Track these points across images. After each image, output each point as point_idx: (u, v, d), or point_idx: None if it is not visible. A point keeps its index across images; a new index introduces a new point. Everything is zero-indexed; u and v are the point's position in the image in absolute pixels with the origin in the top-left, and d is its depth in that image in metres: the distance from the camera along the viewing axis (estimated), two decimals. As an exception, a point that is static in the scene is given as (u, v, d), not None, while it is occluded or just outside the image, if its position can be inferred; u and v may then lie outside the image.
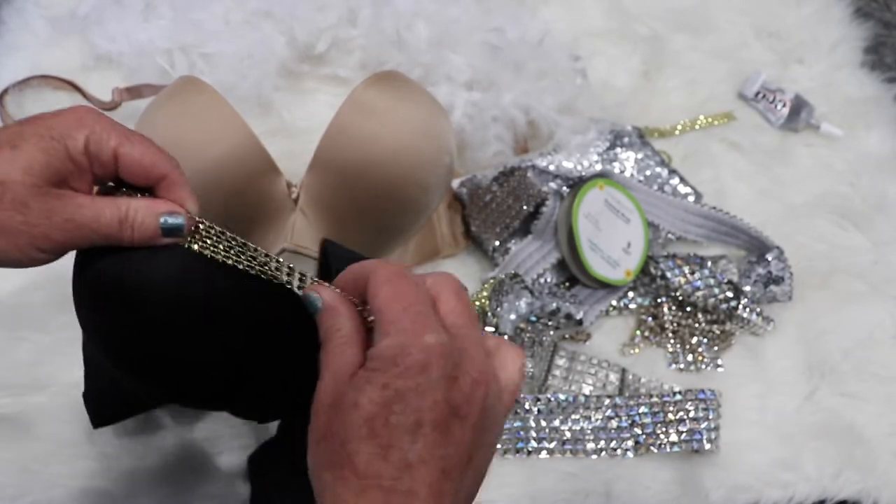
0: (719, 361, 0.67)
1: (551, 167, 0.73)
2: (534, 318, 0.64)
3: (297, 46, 0.78)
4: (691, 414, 0.61)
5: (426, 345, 0.30)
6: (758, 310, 0.67)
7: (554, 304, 0.64)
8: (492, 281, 0.65)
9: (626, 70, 0.86)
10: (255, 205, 0.58)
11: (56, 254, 0.34)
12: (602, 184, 0.69)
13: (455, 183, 0.72)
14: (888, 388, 0.66)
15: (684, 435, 0.61)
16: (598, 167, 0.74)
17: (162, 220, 0.35)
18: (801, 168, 0.81)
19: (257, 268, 0.36)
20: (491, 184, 0.72)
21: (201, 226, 0.36)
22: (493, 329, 0.63)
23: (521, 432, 0.61)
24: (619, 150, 0.76)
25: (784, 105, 0.83)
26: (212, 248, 0.36)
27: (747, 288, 0.68)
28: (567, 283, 0.70)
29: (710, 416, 0.61)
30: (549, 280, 0.69)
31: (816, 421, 0.64)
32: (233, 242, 0.37)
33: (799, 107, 0.83)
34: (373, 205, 0.57)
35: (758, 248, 0.72)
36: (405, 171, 0.56)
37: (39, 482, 0.56)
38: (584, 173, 0.73)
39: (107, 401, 0.52)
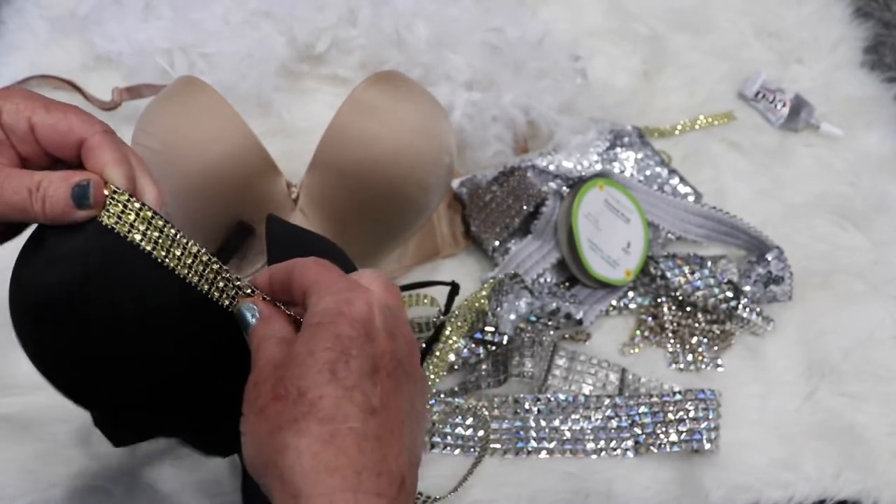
0: (719, 361, 0.67)
1: (551, 167, 0.73)
2: (534, 318, 0.64)
3: (296, 46, 0.78)
4: (691, 414, 0.61)
5: (366, 297, 0.31)
6: (758, 310, 0.67)
7: (554, 304, 0.64)
8: (491, 281, 0.65)
9: (626, 70, 0.86)
10: (254, 205, 0.58)
11: None
12: (602, 184, 0.69)
13: (455, 183, 0.72)
14: (888, 388, 0.66)
15: (684, 435, 0.61)
16: (598, 167, 0.74)
17: (72, 189, 0.31)
18: (801, 168, 0.81)
19: (186, 268, 0.33)
20: (491, 184, 0.72)
21: (117, 198, 0.32)
22: (492, 329, 0.63)
23: (521, 432, 0.61)
24: (618, 149, 0.76)
25: (784, 105, 0.83)
26: (127, 224, 0.32)
27: (747, 288, 0.68)
28: (567, 283, 0.70)
29: (710, 416, 0.61)
30: (548, 280, 0.69)
31: (816, 421, 0.64)
32: (164, 229, 0.33)
33: (799, 107, 0.83)
34: (373, 205, 0.57)
35: (758, 247, 0.72)
36: (405, 171, 0.56)
37: (39, 482, 0.56)
38: (583, 173, 0.73)
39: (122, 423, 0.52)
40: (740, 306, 0.66)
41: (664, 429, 0.61)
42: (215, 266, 0.34)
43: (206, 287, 0.34)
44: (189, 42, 0.76)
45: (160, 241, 0.33)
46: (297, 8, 0.78)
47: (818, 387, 0.66)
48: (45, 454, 0.57)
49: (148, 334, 0.34)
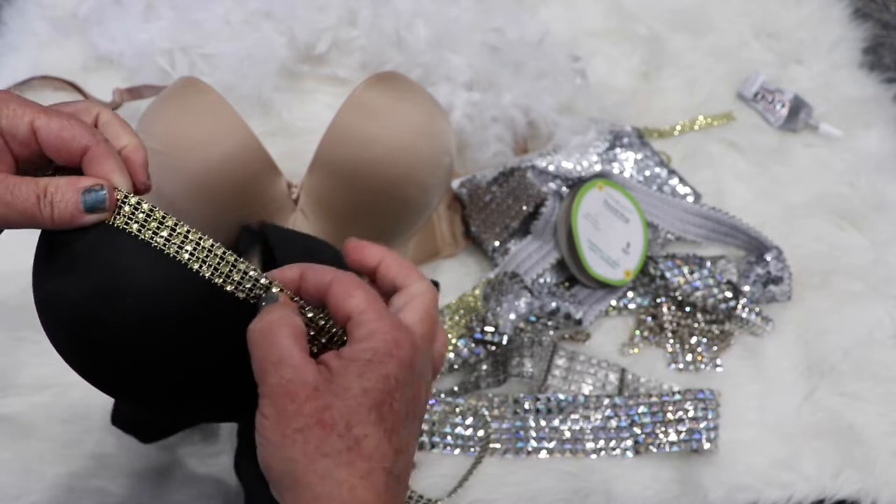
0: (718, 361, 0.67)
1: (551, 167, 0.73)
2: (533, 318, 0.64)
3: (297, 47, 0.78)
4: (690, 414, 0.61)
5: (412, 340, 0.33)
6: (757, 310, 0.67)
7: (553, 304, 0.64)
8: (483, 280, 0.65)
9: (625, 70, 0.86)
10: (255, 205, 0.58)
11: None
12: (601, 184, 0.70)
13: (455, 183, 0.72)
14: (887, 387, 0.67)
15: (683, 435, 0.61)
16: (598, 167, 0.74)
17: (82, 195, 0.32)
18: (800, 168, 0.81)
19: (201, 259, 0.34)
20: (490, 184, 0.72)
21: (131, 201, 0.33)
22: (492, 329, 0.63)
23: (521, 432, 0.61)
24: (618, 150, 0.77)
25: (783, 105, 0.83)
26: (140, 226, 0.33)
27: (746, 288, 0.69)
28: (566, 283, 0.70)
29: (710, 416, 0.61)
30: (548, 280, 0.69)
31: (816, 421, 0.64)
32: (172, 225, 0.34)
33: (798, 107, 0.83)
34: (372, 205, 0.57)
35: (757, 248, 0.72)
36: (405, 172, 0.56)
37: (40, 482, 0.56)
38: (583, 173, 0.74)
39: (144, 420, 0.52)
40: (739, 306, 0.66)
41: (663, 429, 0.61)
42: (230, 258, 0.34)
43: (219, 280, 0.34)
44: (190, 42, 0.77)
45: (172, 237, 0.34)
46: (298, 8, 0.78)
47: (817, 387, 0.66)
48: (46, 454, 0.57)
49: (172, 329, 0.34)
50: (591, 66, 0.84)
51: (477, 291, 0.67)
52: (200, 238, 0.34)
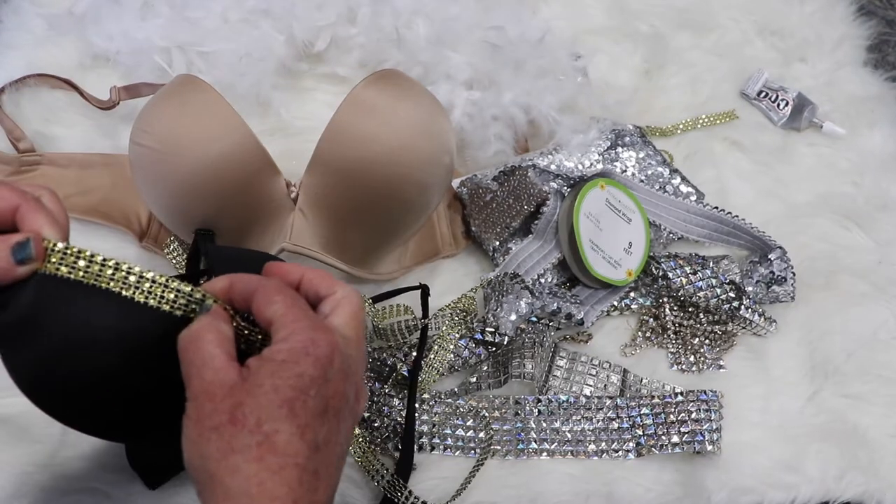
0: (721, 362, 0.67)
1: (552, 166, 0.73)
2: (534, 319, 0.64)
3: (295, 45, 0.78)
4: (693, 415, 0.61)
5: (330, 339, 0.34)
6: (760, 310, 0.67)
7: (555, 305, 0.63)
8: (482, 280, 0.65)
9: (627, 68, 0.86)
10: (253, 204, 0.58)
11: None
12: (603, 183, 0.69)
13: (455, 182, 0.71)
14: (892, 389, 0.66)
15: (686, 436, 0.60)
16: (600, 166, 0.74)
17: (12, 249, 0.34)
18: (804, 167, 0.81)
19: (125, 287, 0.36)
20: (491, 183, 0.71)
21: (57, 247, 0.35)
22: (493, 330, 0.62)
23: (522, 433, 0.60)
24: (620, 149, 0.76)
25: (786, 104, 0.83)
26: (68, 268, 0.35)
27: (749, 288, 0.68)
28: (568, 284, 0.69)
29: (712, 418, 0.61)
30: (549, 280, 0.69)
31: (820, 422, 0.64)
32: (100, 261, 0.36)
33: (801, 105, 0.83)
34: (372, 204, 0.57)
35: (760, 248, 0.72)
36: (404, 171, 0.55)
37: (37, 484, 0.55)
38: (585, 173, 0.73)
39: (155, 458, 0.53)
40: (742, 307, 0.66)
41: (666, 430, 0.61)
42: (161, 280, 0.36)
43: (152, 302, 0.36)
44: (187, 41, 0.76)
45: (101, 272, 0.36)
46: (296, 6, 0.77)
47: (821, 388, 0.66)
48: (43, 456, 0.57)
49: (108, 356, 0.36)
50: (593, 65, 0.83)
51: (475, 292, 0.66)
52: (129, 268, 0.36)
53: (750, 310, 0.66)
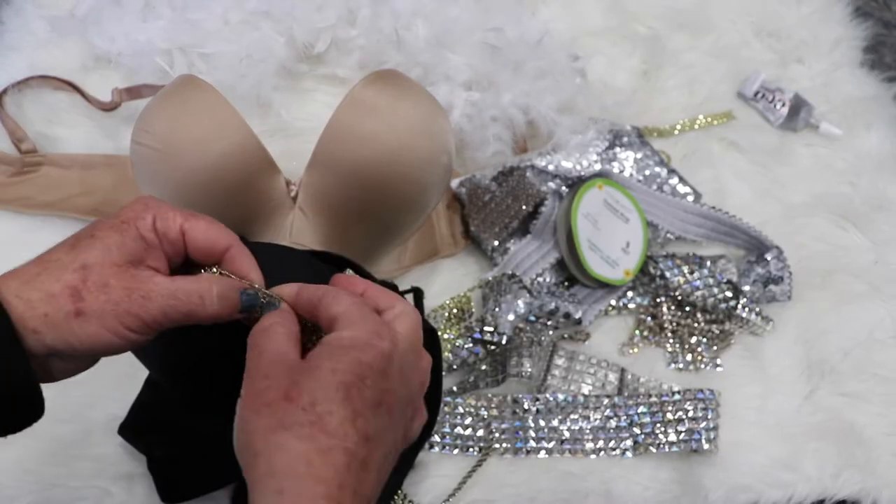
0: (718, 361, 0.67)
1: (550, 167, 0.73)
2: (532, 318, 0.64)
3: (295, 46, 0.78)
4: (690, 414, 0.61)
5: (394, 337, 0.34)
6: (757, 309, 0.67)
7: (553, 304, 0.64)
8: (481, 280, 0.65)
9: (625, 69, 0.86)
10: (254, 203, 0.58)
11: (144, 333, 0.34)
12: (601, 183, 0.69)
13: (454, 183, 0.72)
14: (888, 387, 0.66)
15: (683, 435, 0.61)
16: (598, 167, 0.74)
17: (242, 295, 0.36)
18: (801, 167, 0.81)
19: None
20: (490, 184, 0.72)
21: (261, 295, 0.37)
22: (491, 329, 0.63)
23: (520, 432, 0.61)
24: (618, 149, 0.76)
25: (783, 104, 0.83)
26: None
27: (746, 288, 0.68)
28: (566, 283, 0.70)
29: (710, 416, 0.61)
30: (547, 280, 0.69)
31: (816, 421, 0.64)
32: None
33: (798, 106, 0.83)
34: (371, 203, 0.57)
35: (757, 247, 0.72)
36: (404, 170, 0.56)
37: (39, 482, 0.56)
38: (583, 173, 0.73)
39: (176, 475, 0.54)
40: (739, 306, 0.66)
41: (663, 429, 0.61)
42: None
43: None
44: (188, 42, 0.76)
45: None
46: (297, 8, 0.78)
47: (818, 387, 0.66)
48: (44, 454, 0.57)
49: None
50: (591, 66, 0.83)
51: (472, 292, 0.66)
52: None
53: (747, 309, 0.67)
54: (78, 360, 0.35)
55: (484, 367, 0.63)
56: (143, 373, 0.53)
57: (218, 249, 0.37)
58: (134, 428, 0.55)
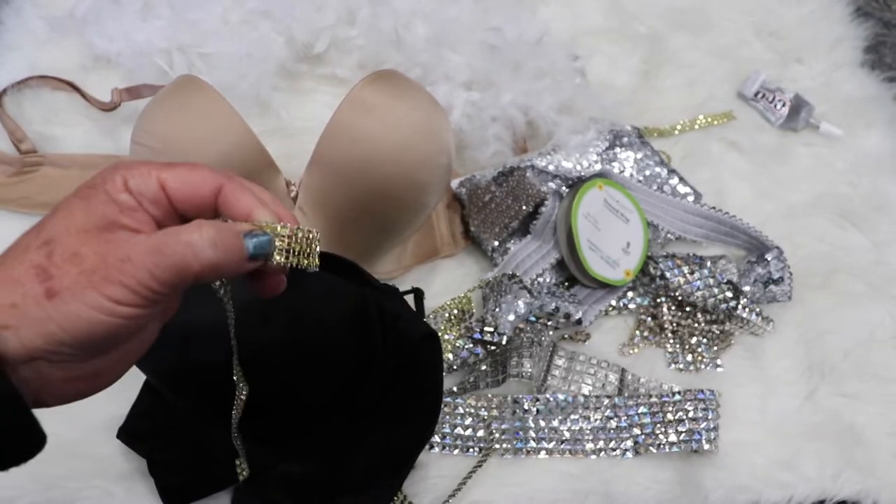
0: (719, 361, 0.67)
1: (550, 167, 0.73)
2: (533, 319, 0.64)
3: (295, 46, 0.78)
4: (690, 414, 0.61)
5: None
6: (757, 310, 0.67)
7: (553, 304, 0.64)
8: (480, 281, 0.65)
9: (625, 69, 0.86)
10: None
11: (138, 305, 0.29)
12: (601, 184, 0.69)
13: (454, 183, 0.72)
14: (888, 388, 0.66)
15: (683, 435, 0.61)
16: (598, 167, 0.74)
17: (246, 241, 0.30)
18: (801, 168, 0.81)
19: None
20: (490, 184, 0.71)
21: (283, 232, 0.31)
22: (491, 329, 0.63)
23: (520, 432, 0.61)
24: (618, 149, 0.76)
25: (784, 104, 0.83)
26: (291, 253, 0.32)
27: (747, 288, 0.68)
28: (566, 283, 0.70)
29: (710, 417, 0.61)
30: (548, 280, 0.69)
31: (816, 421, 0.64)
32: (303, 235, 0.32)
33: (798, 106, 0.83)
34: (371, 203, 0.57)
35: (757, 248, 0.72)
36: (403, 170, 0.56)
37: (38, 483, 0.56)
38: (583, 173, 0.73)
39: (177, 479, 0.54)
40: (740, 306, 0.66)
41: (663, 429, 0.61)
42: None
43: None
44: (188, 42, 0.76)
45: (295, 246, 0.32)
46: (296, 8, 0.78)
47: (818, 387, 0.66)
48: (44, 455, 0.56)
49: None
50: (591, 66, 0.83)
51: (473, 293, 0.66)
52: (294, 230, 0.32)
53: (747, 309, 0.67)
54: (78, 362, 0.30)
55: (484, 368, 0.63)
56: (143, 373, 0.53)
57: (203, 194, 0.31)
58: (133, 433, 0.55)
